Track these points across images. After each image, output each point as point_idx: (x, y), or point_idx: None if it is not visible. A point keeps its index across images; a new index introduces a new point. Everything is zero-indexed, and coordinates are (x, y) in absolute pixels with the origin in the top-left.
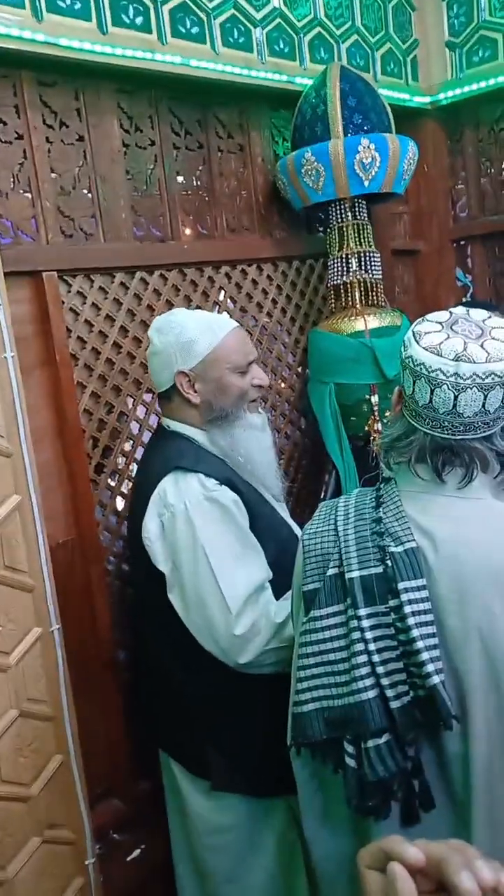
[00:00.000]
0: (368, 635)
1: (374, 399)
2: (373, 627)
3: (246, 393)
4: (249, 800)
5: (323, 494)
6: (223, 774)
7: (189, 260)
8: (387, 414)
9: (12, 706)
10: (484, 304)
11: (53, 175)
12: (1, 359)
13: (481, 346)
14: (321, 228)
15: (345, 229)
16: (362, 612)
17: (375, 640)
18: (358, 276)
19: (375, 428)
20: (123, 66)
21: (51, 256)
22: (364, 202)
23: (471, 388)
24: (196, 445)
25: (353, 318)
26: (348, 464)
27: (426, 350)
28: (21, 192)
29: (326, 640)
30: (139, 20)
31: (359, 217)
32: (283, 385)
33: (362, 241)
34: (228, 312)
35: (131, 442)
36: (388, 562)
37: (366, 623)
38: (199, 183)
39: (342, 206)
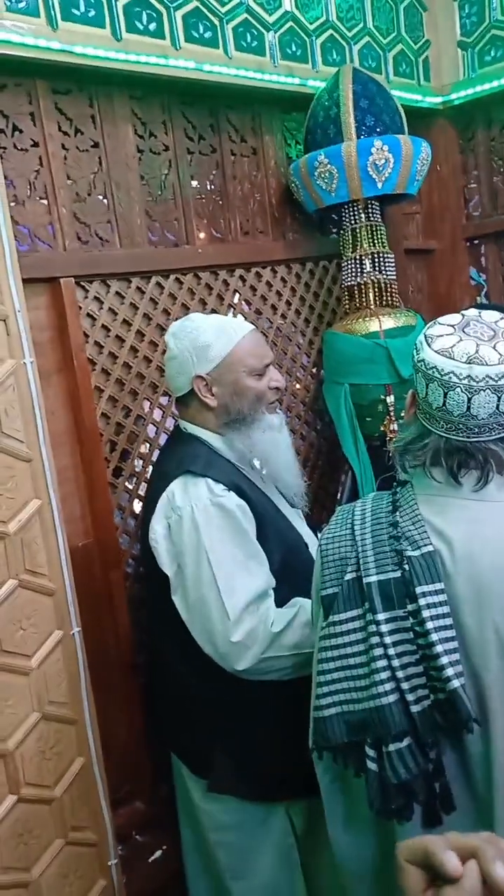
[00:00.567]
0: (387, 640)
1: (390, 399)
2: (392, 632)
3: (263, 395)
4: (246, 803)
5: (339, 495)
6: (220, 777)
7: (204, 263)
8: (402, 415)
9: (35, 709)
10: (496, 307)
11: (69, 182)
12: (20, 364)
13: (494, 347)
14: (334, 230)
15: (358, 230)
16: (381, 616)
17: (395, 644)
18: (372, 277)
19: (391, 428)
20: (137, 72)
21: (67, 262)
22: (377, 203)
23: (484, 391)
24: (209, 449)
25: (367, 318)
26: (364, 464)
27: (438, 353)
28: (37, 199)
29: (345, 645)
30: (153, 26)
31: (372, 218)
32: (297, 386)
33: (376, 241)
34: (243, 315)
35: (148, 445)
36: (406, 566)
37: (384, 628)
38: (212, 187)
39: (355, 208)
